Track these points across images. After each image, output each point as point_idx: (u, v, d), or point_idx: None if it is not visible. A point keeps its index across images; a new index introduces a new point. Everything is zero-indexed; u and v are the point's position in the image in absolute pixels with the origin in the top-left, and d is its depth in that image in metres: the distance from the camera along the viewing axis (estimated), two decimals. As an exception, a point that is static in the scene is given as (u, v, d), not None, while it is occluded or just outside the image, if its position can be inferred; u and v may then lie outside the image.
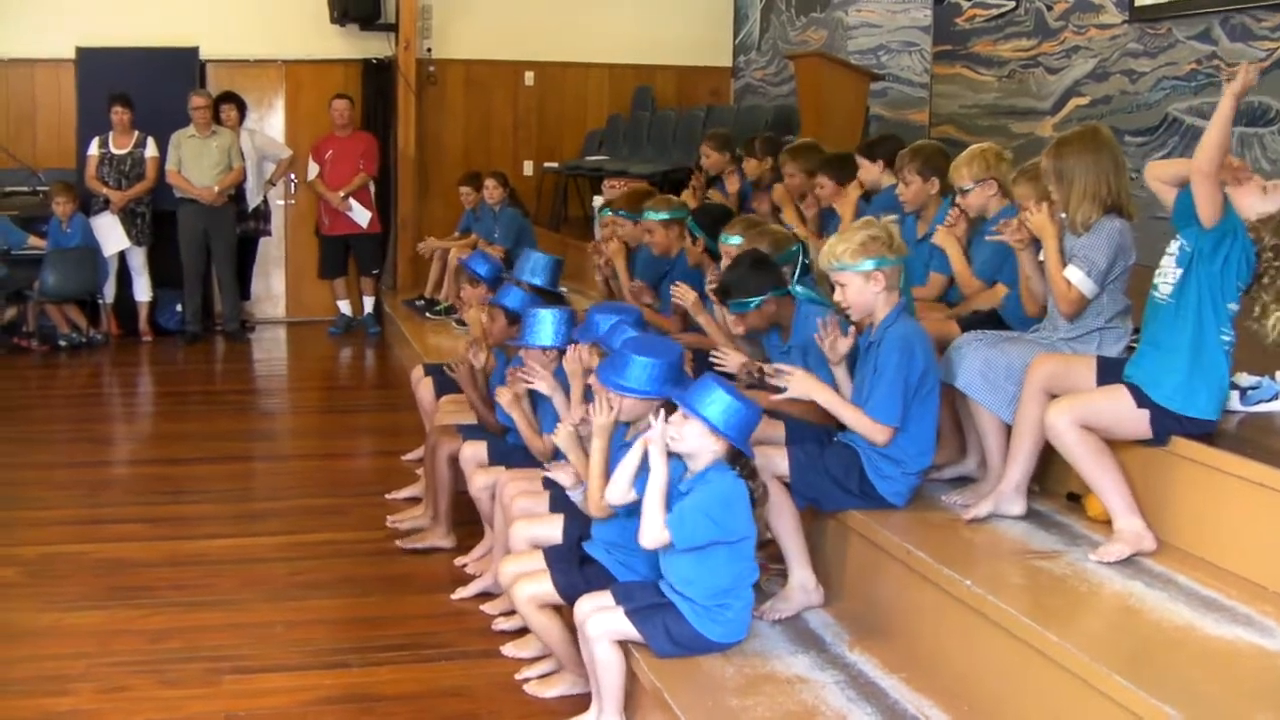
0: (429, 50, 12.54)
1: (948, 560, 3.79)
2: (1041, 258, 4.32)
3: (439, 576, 5.50)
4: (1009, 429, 4.19)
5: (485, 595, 5.17)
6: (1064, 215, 4.19)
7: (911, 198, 5.49)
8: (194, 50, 11.81)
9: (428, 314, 10.34)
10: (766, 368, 4.54)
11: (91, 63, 11.55)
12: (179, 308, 11.34)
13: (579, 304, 6.54)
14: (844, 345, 4.33)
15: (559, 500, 4.70)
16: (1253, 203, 3.65)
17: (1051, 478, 4.39)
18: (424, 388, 6.85)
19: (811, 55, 9.58)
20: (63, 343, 10.73)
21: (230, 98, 11.52)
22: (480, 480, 5.32)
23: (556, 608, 4.26)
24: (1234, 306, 3.74)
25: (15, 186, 11.43)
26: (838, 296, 4.27)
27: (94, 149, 10.97)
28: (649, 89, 12.78)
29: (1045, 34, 8.62)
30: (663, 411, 3.92)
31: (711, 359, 4.89)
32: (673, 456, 3.90)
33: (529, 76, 12.97)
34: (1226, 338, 3.76)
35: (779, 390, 4.34)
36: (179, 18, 11.70)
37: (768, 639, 4.05)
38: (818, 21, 10.87)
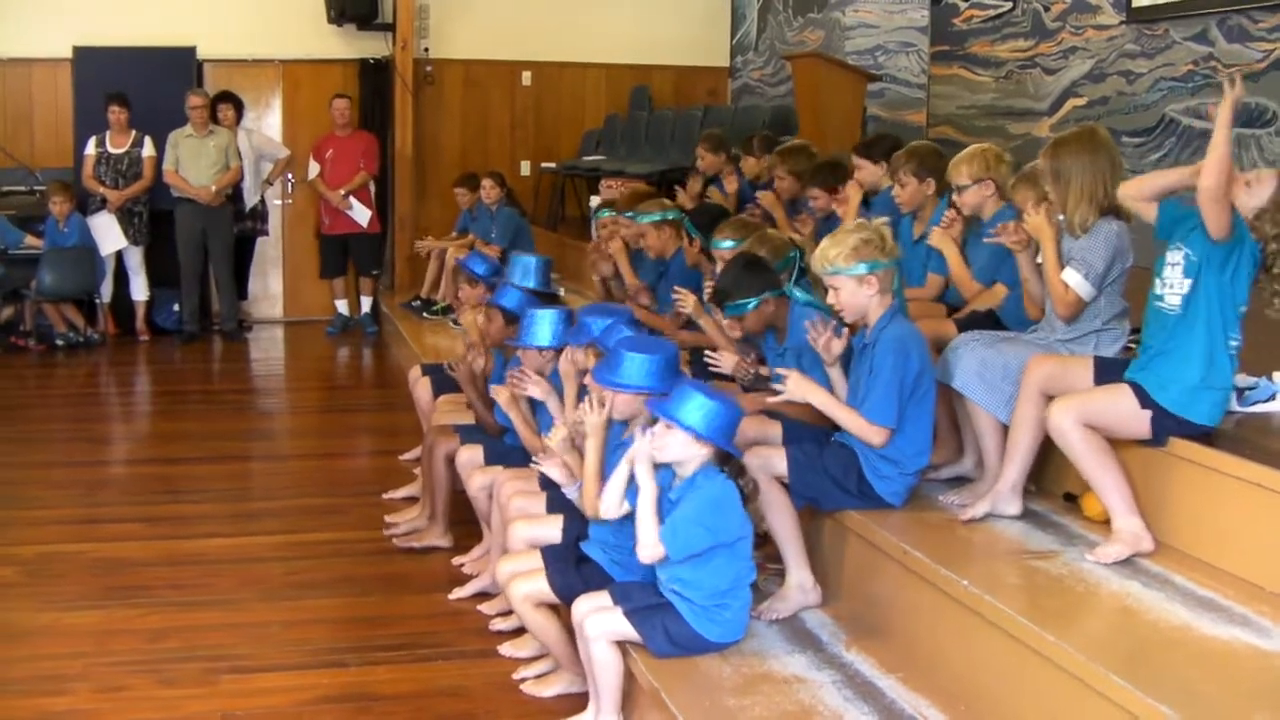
0: (426, 50, 12.54)
1: (945, 560, 3.80)
2: (1039, 260, 4.32)
3: (436, 576, 5.50)
4: (1006, 429, 4.19)
5: (483, 595, 5.18)
6: (1061, 217, 4.19)
7: (907, 199, 5.49)
8: (191, 50, 11.81)
9: (425, 314, 10.35)
10: (762, 369, 4.55)
11: (89, 62, 11.54)
12: (176, 307, 11.34)
13: (577, 305, 6.54)
14: (837, 346, 4.33)
15: (557, 500, 4.70)
16: (1244, 201, 3.66)
17: (1048, 478, 4.39)
18: (421, 387, 6.85)
19: (809, 56, 9.60)
20: (60, 342, 10.73)
21: (227, 97, 11.51)
22: (478, 481, 5.32)
23: (553, 607, 4.26)
24: (1244, 309, 3.75)
25: (12, 186, 11.44)
26: (831, 300, 4.27)
27: (91, 148, 10.96)
28: (646, 89, 12.78)
29: (1042, 35, 8.62)
30: (642, 426, 3.93)
31: (706, 359, 4.90)
32: (661, 465, 3.92)
33: (526, 76, 12.97)
34: (1234, 342, 3.76)
35: (775, 392, 4.35)
36: (176, 17, 11.69)
37: (765, 639, 4.05)
38: (815, 22, 10.87)
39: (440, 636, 4.89)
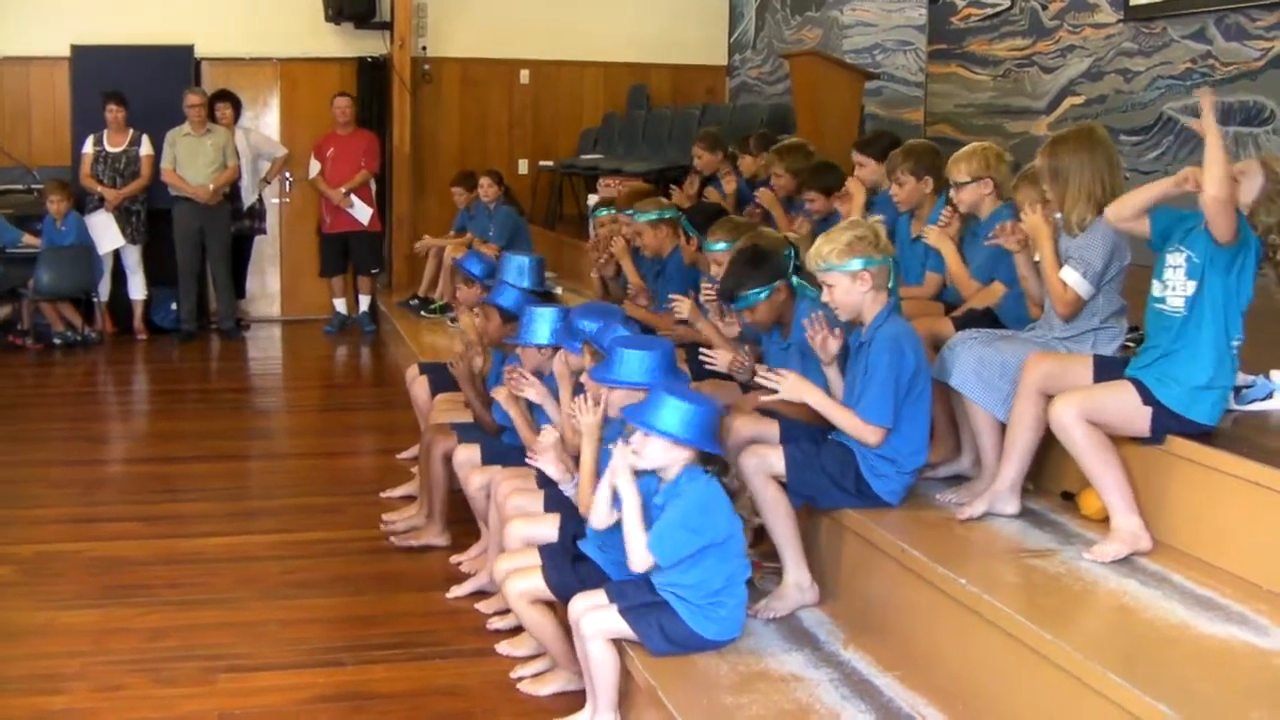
0: (424, 49, 12.54)
1: (942, 559, 3.79)
2: (1036, 258, 4.32)
3: (433, 575, 5.50)
4: (1003, 427, 4.19)
5: (480, 594, 5.17)
6: (1059, 215, 4.19)
7: (905, 197, 5.48)
8: (189, 48, 11.80)
9: (422, 313, 10.36)
10: (759, 369, 4.55)
11: (86, 61, 11.52)
12: (174, 306, 11.32)
13: (574, 303, 6.54)
14: (834, 345, 4.34)
15: (554, 499, 4.70)
16: (1238, 196, 3.65)
17: (1046, 476, 4.39)
18: (419, 386, 6.84)
19: (806, 54, 9.59)
20: (57, 341, 10.72)
21: (225, 96, 11.51)
22: (476, 480, 5.32)
23: (550, 605, 4.26)
24: (1246, 306, 3.75)
25: (10, 184, 11.43)
26: (826, 297, 4.27)
27: (89, 147, 10.95)
28: (644, 87, 12.79)
29: (1040, 33, 8.63)
30: (622, 436, 3.94)
31: (701, 358, 4.90)
32: (645, 472, 3.92)
33: (524, 75, 12.97)
34: (1236, 342, 3.77)
35: (772, 391, 4.34)
36: (174, 16, 11.68)
37: (762, 637, 4.05)
38: (813, 20, 10.87)
39: (437, 635, 4.89)
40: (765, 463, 4.23)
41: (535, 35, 12.68)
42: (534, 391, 5.03)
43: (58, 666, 4.54)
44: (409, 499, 6.42)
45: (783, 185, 6.75)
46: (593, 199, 9.57)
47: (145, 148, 10.97)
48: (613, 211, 7.20)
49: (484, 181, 9.96)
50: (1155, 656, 3.14)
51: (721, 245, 5.25)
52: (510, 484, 5.01)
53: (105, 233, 10.87)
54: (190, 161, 10.87)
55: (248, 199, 11.64)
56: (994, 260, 4.88)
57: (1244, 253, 3.67)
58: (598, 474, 4.17)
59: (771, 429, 4.49)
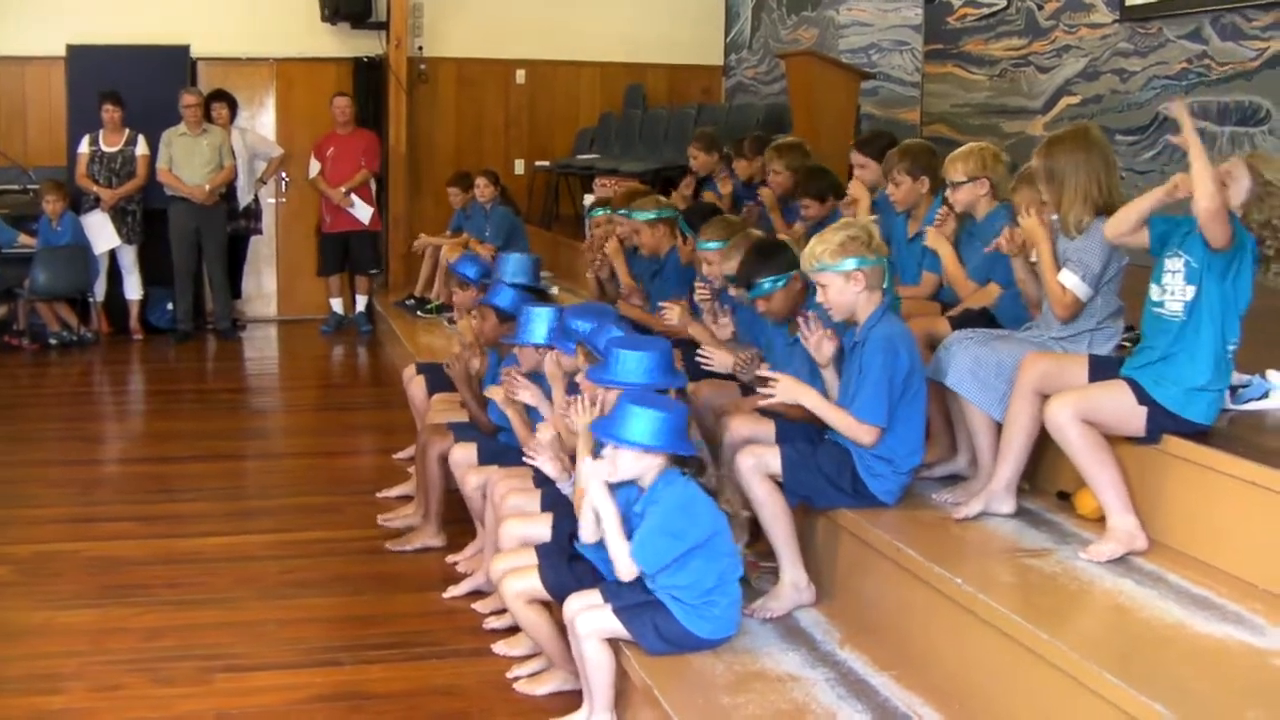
0: (420, 48, 12.54)
1: (938, 558, 3.80)
2: (1034, 259, 4.31)
3: (430, 575, 5.50)
4: (999, 427, 4.19)
5: (476, 594, 5.17)
6: (1055, 217, 4.19)
7: (902, 197, 5.48)
8: (185, 48, 11.78)
9: (419, 312, 10.35)
10: (764, 366, 4.55)
11: (82, 60, 11.51)
12: (170, 306, 11.33)
13: (570, 303, 6.54)
14: (829, 348, 4.34)
15: (550, 498, 4.70)
16: (1228, 199, 3.65)
17: (1042, 476, 4.40)
18: (416, 386, 6.85)
19: (803, 54, 9.59)
20: (53, 341, 10.71)
21: (221, 96, 11.52)
22: (472, 480, 5.32)
23: (547, 604, 4.27)
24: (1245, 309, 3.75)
25: (6, 184, 11.41)
26: (820, 298, 4.27)
27: (84, 147, 10.94)
28: (640, 87, 12.79)
29: (1036, 33, 8.64)
30: (587, 457, 3.96)
31: (698, 358, 4.91)
32: (625, 482, 3.93)
33: (520, 75, 12.97)
34: (1233, 345, 3.77)
35: (768, 394, 4.35)
36: (170, 16, 11.67)
37: (758, 636, 4.05)
38: (809, 20, 10.88)
39: (434, 635, 4.89)
40: (762, 462, 4.23)
41: (531, 35, 12.68)
42: (529, 395, 5.04)
43: (55, 666, 4.54)
44: (405, 499, 6.43)
45: (780, 182, 6.73)
46: (589, 199, 9.57)
47: (141, 148, 10.97)
48: (608, 212, 7.20)
49: (481, 181, 9.96)
50: (1151, 656, 3.15)
51: (713, 244, 5.26)
52: (507, 483, 5.01)
53: (101, 233, 10.86)
54: (186, 161, 10.86)
55: (244, 199, 11.65)
56: (991, 261, 4.87)
57: (1240, 256, 3.67)
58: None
59: (768, 429, 4.50)
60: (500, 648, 4.69)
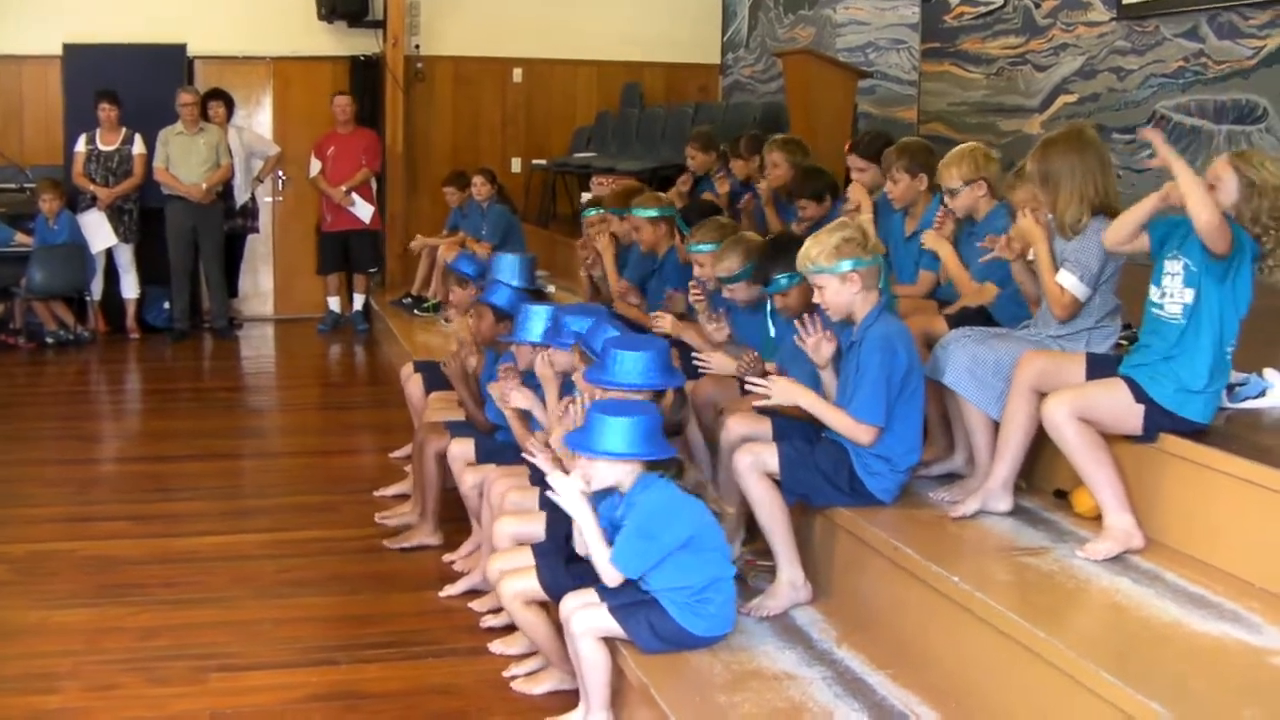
0: (417, 47, 12.53)
1: (935, 557, 3.80)
2: (1031, 257, 4.31)
3: (427, 574, 5.50)
4: (996, 425, 4.18)
5: (473, 592, 5.17)
6: (1051, 217, 4.18)
7: (900, 195, 5.48)
8: (181, 47, 11.77)
9: (416, 311, 10.35)
10: (769, 366, 4.55)
11: (79, 59, 11.50)
12: (166, 305, 11.32)
13: (567, 302, 6.54)
14: (827, 349, 4.34)
15: (547, 497, 4.69)
16: (1220, 201, 3.64)
17: (1039, 474, 4.39)
18: (413, 384, 6.84)
19: (800, 52, 9.60)
20: (50, 340, 10.70)
21: (218, 94, 11.51)
22: (470, 478, 5.32)
23: (544, 604, 4.26)
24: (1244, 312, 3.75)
25: (2, 183, 11.40)
26: (816, 299, 4.27)
27: (81, 146, 10.94)
28: (637, 86, 12.78)
29: (1033, 31, 8.64)
30: (556, 472, 3.97)
31: (695, 361, 4.90)
32: (608, 490, 3.93)
33: (517, 73, 12.97)
34: (1230, 347, 3.77)
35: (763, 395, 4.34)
36: (167, 15, 11.66)
37: (755, 635, 4.05)
38: (806, 19, 10.88)
39: (431, 634, 4.89)
40: (759, 460, 4.22)
41: (528, 34, 12.68)
42: (523, 399, 5.04)
43: (51, 666, 4.54)
44: (402, 498, 6.42)
45: (779, 175, 6.70)
46: (586, 197, 9.57)
47: (138, 146, 10.97)
48: (601, 210, 7.18)
49: (477, 180, 9.96)
50: (1148, 654, 3.15)
51: (705, 246, 5.26)
52: (504, 482, 5.01)
53: (98, 231, 10.85)
54: (183, 160, 10.86)
55: (241, 198, 11.64)
56: (990, 261, 4.87)
57: (1239, 259, 3.66)
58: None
59: (764, 427, 4.49)
60: (497, 646, 4.69)
